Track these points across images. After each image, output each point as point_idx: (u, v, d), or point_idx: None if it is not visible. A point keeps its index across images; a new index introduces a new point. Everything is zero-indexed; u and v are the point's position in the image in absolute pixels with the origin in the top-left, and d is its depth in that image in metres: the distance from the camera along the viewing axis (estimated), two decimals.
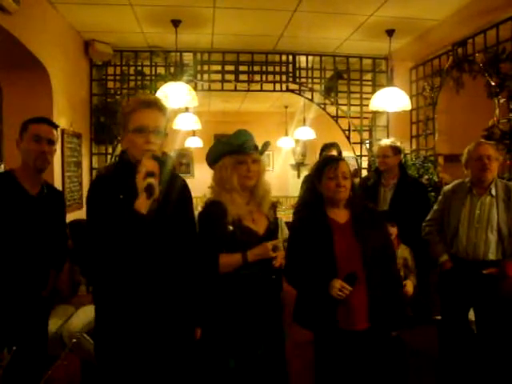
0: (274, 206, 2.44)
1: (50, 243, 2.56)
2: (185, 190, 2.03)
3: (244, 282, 2.16)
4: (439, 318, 3.22)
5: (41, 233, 2.49)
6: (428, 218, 3.21)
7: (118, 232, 1.70)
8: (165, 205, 1.83)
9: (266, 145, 2.33)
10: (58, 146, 3.92)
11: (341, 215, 2.35)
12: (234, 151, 2.20)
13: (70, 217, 3.86)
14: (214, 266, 2.13)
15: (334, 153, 4.37)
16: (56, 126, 2.56)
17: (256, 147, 2.27)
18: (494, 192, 2.88)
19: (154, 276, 1.82)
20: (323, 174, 2.33)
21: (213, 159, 2.29)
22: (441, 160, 4.62)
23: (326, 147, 4.51)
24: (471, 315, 3.05)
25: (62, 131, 4.11)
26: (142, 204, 1.70)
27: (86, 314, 3.14)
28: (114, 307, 1.83)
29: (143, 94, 1.90)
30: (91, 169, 5.04)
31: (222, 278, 2.16)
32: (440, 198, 3.20)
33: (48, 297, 2.63)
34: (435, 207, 3.20)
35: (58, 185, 3.97)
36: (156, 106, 1.86)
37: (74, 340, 2.85)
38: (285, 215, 6.93)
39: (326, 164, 2.35)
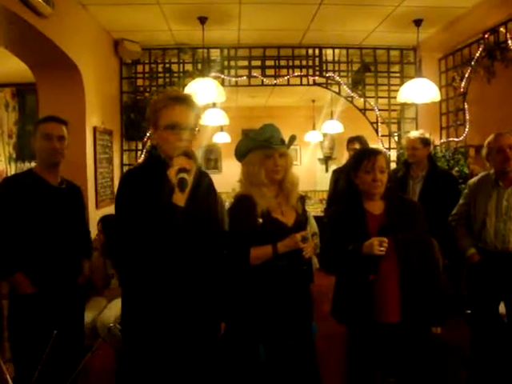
0: (303, 198, 2.45)
1: (76, 232, 2.71)
2: (211, 188, 2.06)
3: (274, 273, 2.19)
4: (469, 311, 3.18)
5: (68, 221, 2.63)
6: (454, 212, 3.17)
7: (155, 223, 1.71)
8: (193, 200, 1.84)
9: (293, 139, 2.34)
10: (90, 143, 4.12)
11: (376, 207, 2.35)
12: (260, 146, 2.23)
13: (102, 212, 3.99)
14: (246, 258, 2.16)
15: (357, 146, 4.38)
16: (65, 123, 2.66)
17: (283, 141, 2.28)
18: None
19: (182, 270, 1.85)
20: (360, 167, 2.33)
21: (241, 154, 2.32)
22: (471, 151, 4.52)
23: (350, 141, 4.52)
24: (502, 308, 3.00)
25: (94, 128, 4.24)
26: (179, 198, 1.73)
27: (118, 306, 3.23)
28: (142, 300, 1.86)
29: (173, 90, 1.88)
30: (122, 165, 5.17)
31: (253, 270, 2.19)
32: (465, 191, 3.15)
33: (84, 285, 2.77)
34: (461, 201, 3.16)
35: (90, 181, 4.11)
36: (187, 102, 1.87)
37: (111, 325, 2.96)
38: (313, 209, 6.92)
39: (364, 157, 2.33)
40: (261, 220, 2.18)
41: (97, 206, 4.19)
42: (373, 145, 4.83)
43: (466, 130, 4.50)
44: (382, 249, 2.16)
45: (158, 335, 1.84)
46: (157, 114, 1.85)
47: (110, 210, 4.28)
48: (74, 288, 2.66)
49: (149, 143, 5.23)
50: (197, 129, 1.91)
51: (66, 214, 2.62)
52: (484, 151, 2.97)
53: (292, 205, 2.31)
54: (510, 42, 3.70)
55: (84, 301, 2.88)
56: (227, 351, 2.16)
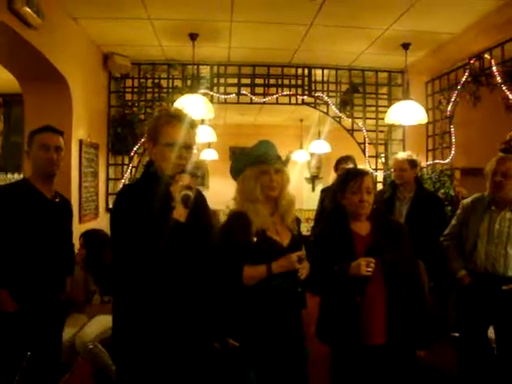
0: (299, 220, 2.40)
1: (63, 248, 2.64)
2: (205, 203, 2.07)
3: (268, 294, 2.12)
4: (456, 334, 3.15)
5: (58, 236, 2.56)
6: (446, 232, 3.16)
7: (156, 238, 1.70)
8: (191, 216, 1.86)
9: (290, 155, 2.34)
10: (75, 157, 4.07)
11: (362, 227, 2.34)
12: (255, 161, 2.18)
13: (86, 226, 3.92)
14: (238, 278, 2.09)
15: (351, 166, 4.37)
16: (61, 133, 2.61)
17: (279, 157, 2.25)
18: None
19: (180, 286, 1.82)
20: (347, 188, 2.32)
21: (236, 171, 2.27)
22: (457, 174, 4.57)
23: (343, 160, 4.52)
24: (491, 333, 2.98)
25: (80, 141, 4.19)
26: (181, 214, 1.77)
27: (99, 324, 3.16)
28: (137, 318, 1.81)
29: (174, 108, 1.91)
30: (107, 179, 5.10)
31: (246, 290, 2.12)
32: (458, 211, 3.14)
33: (65, 302, 2.69)
34: (453, 222, 3.15)
35: (74, 194, 4.04)
36: (187, 121, 1.89)
37: (90, 346, 2.88)
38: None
39: (351, 178, 2.33)
40: (255, 239, 2.11)
41: (80, 221, 4.11)
42: (360, 165, 4.86)
43: (452, 152, 4.54)
44: (369, 269, 2.14)
45: (153, 350, 1.80)
46: (157, 130, 1.86)
47: (94, 224, 4.22)
48: (56, 306, 2.57)
49: (136, 159, 5.20)
50: (195, 147, 1.92)
51: (56, 230, 2.56)
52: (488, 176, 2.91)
53: (287, 224, 2.25)
54: (494, 68, 3.77)
55: (64, 319, 2.78)
56: (217, 375, 2.08)
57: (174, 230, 1.73)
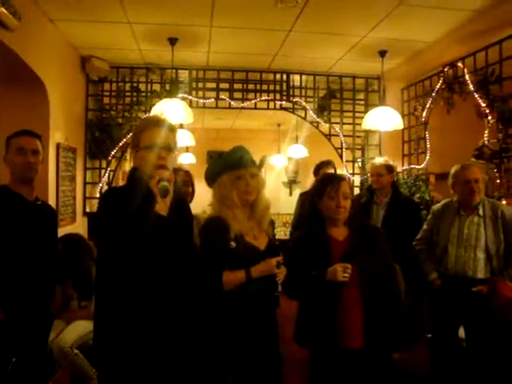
0: (273, 222, 2.41)
1: (51, 253, 2.58)
2: (187, 206, 2.15)
3: (246, 298, 2.12)
4: (430, 335, 3.23)
5: (43, 239, 2.51)
6: (418, 237, 3.25)
7: (138, 232, 1.78)
8: (173, 213, 1.93)
9: (264, 159, 2.34)
10: (52, 160, 4.01)
11: (339, 232, 2.36)
12: (231, 167, 2.19)
13: (63, 231, 3.85)
14: (218, 283, 2.09)
15: (332, 170, 4.40)
16: (38, 136, 2.57)
17: (253, 162, 2.26)
18: (481, 212, 2.93)
19: (162, 282, 1.89)
20: (324, 193, 2.34)
21: (211, 177, 2.27)
22: (432, 179, 4.67)
23: (323, 164, 4.53)
24: (462, 332, 3.06)
25: (58, 145, 4.13)
26: (161, 207, 1.86)
27: (76, 330, 3.11)
28: (120, 321, 1.84)
29: (153, 115, 2.06)
30: (85, 183, 5.04)
31: (224, 295, 2.11)
32: (429, 217, 3.24)
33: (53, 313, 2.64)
34: (424, 226, 3.24)
35: (52, 198, 3.97)
36: (165, 124, 2.00)
37: (76, 352, 2.89)
38: (276, 232, 6.91)
39: (328, 183, 2.35)
40: (234, 244, 2.11)
41: (57, 225, 4.04)
42: (337, 170, 4.91)
43: (427, 157, 4.65)
44: (345, 275, 2.17)
45: (135, 353, 1.84)
46: (137, 138, 2.00)
47: (71, 229, 4.16)
48: (43, 316, 2.50)
49: (114, 163, 5.15)
50: (176, 149, 2.02)
51: (41, 232, 2.51)
52: (450, 181, 3.06)
53: (264, 228, 2.26)
54: (467, 76, 3.89)
55: (49, 330, 2.70)
56: (195, 378, 2.08)
57: (155, 222, 1.82)
